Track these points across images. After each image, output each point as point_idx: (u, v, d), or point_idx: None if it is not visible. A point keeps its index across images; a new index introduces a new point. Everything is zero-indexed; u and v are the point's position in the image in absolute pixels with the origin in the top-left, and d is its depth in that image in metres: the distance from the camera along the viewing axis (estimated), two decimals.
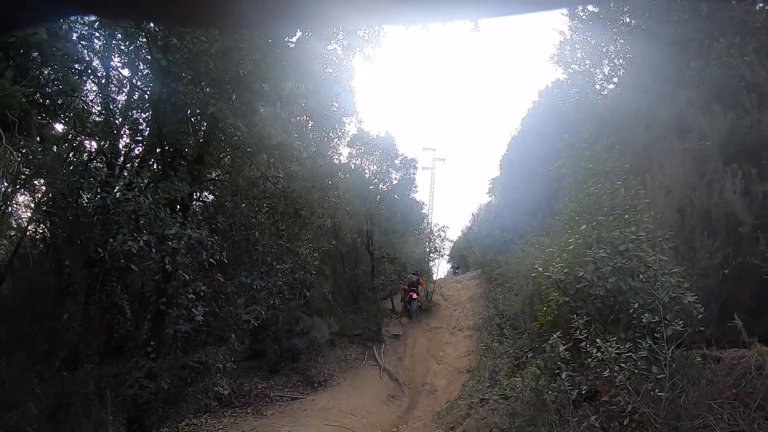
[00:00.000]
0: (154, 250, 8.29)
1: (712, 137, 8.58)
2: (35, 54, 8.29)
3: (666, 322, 5.78)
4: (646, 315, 6.05)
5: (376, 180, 23.39)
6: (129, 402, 9.24)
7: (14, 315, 8.86)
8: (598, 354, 6.10)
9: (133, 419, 9.48)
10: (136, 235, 7.90)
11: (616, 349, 5.99)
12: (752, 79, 8.97)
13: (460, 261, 34.65)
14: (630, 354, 5.83)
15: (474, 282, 26.33)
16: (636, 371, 5.72)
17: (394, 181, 24.24)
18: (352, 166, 22.85)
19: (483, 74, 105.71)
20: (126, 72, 11.08)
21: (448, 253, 31.76)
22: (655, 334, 5.83)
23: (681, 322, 5.84)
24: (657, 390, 5.46)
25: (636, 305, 6.47)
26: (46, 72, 8.94)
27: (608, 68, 17.19)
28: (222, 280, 10.45)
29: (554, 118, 21.19)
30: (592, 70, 17.52)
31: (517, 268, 15.60)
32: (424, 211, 28.06)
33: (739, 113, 8.67)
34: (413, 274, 23.57)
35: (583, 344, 6.57)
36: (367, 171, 23.51)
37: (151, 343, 9.63)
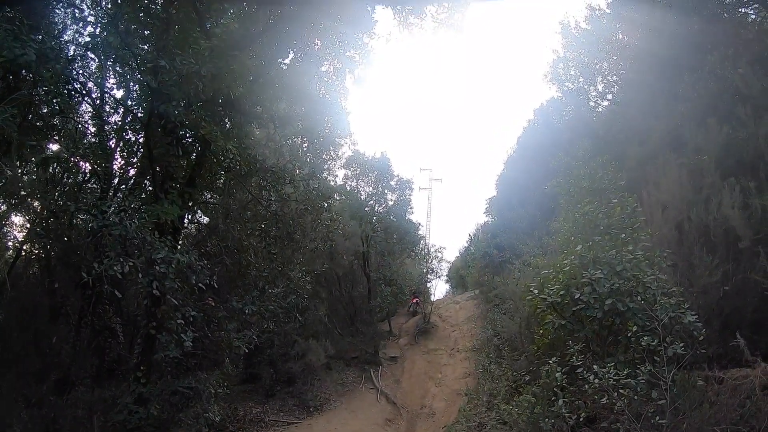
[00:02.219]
0: (141, 275, 8.16)
1: (708, 151, 8.51)
2: (24, 74, 8.25)
3: (666, 344, 5.62)
4: (646, 338, 5.89)
5: (371, 201, 23.41)
6: (118, 428, 9.09)
7: (5, 336, 8.71)
8: (596, 381, 5.92)
9: None
10: (122, 259, 7.75)
11: (614, 375, 5.82)
12: (746, 91, 8.92)
13: (457, 281, 34.36)
14: (629, 380, 5.67)
15: (472, 302, 26.12)
16: (636, 397, 5.55)
17: (390, 202, 24.26)
18: (348, 188, 22.92)
19: (479, 93, 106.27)
20: (120, 93, 11.10)
21: (445, 273, 31.64)
22: (655, 357, 5.67)
23: (681, 344, 5.69)
24: (658, 417, 5.29)
25: (634, 328, 6.32)
26: (41, 92, 8.89)
27: (602, 85, 17.17)
28: (213, 304, 10.32)
29: (549, 136, 21.21)
30: (585, 87, 17.49)
31: (514, 289, 15.47)
32: (420, 232, 28.00)
33: (735, 126, 8.61)
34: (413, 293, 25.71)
35: (580, 370, 6.40)
36: (362, 192, 23.56)
37: (141, 367, 9.46)
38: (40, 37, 7.81)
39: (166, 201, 9.25)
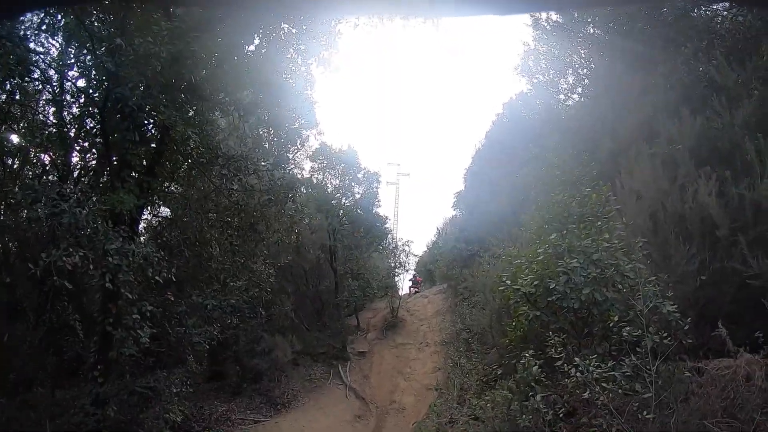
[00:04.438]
0: (93, 266, 7.72)
1: (682, 141, 8.46)
2: None
3: (649, 335, 5.43)
4: (627, 328, 5.70)
5: (338, 194, 23.29)
6: (75, 431, 8.68)
7: None
8: (578, 374, 5.69)
9: None
10: (72, 249, 7.30)
11: (597, 368, 5.60)
12: (721, 81, 8.94)
13: (425, 275, 34.32)
14: (613, 373, 5.46)
15: (440, 296, 26.09)
16: (620, 390, 5.35)
17: (357, 196, 24.09)
18: (315, 180, 22.72)
19: (447, 88, 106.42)
20: (82, 83, 10.52)
21: (413, 267, 31.61)
22: (637, 348, 5.48)
23: (665, 335, 5.51)
24: (645, 412, 5.09)
25: (615, 318, 6.14)
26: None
27: (572, 78, 17.12)
28: (173, 299, 9.96)
29: (518, 130, 21.21)
30: (556, 80, 17.44)
31: (483, 281, 15.37)
32: (388, 225, 27.79)
33: (710, 116, 8.59)
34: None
35: (559, 363, 6.19)
36: (329, 185, 23.41)
37: (99, 366, 9.05)
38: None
39: (122, 190, 8.83)
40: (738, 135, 7.92)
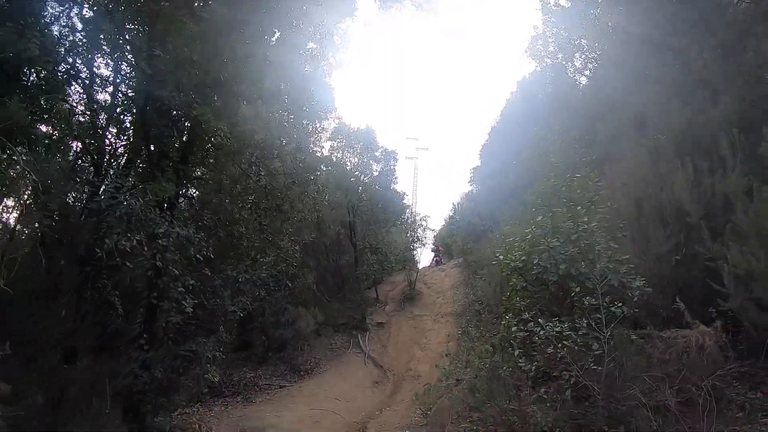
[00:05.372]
0: (146, 248, 8.87)
1: (668, 132, 8.98)
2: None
3: (606, 304, 6.39)
4: (588, 298, 6.66)
5: (357, 172, 23.89)
6: (124, 392, 9.81)
7: (13, 314, 9.24)
8: (542, 332, 6.75)
9: (128, 409, 9.99)
10: (129, 234, 8.46)
11: (558, 329, 6.64)
12: (706, 75, 9.32)
13: (444, 249, 34.63)
14: (570, 333, 6.47)
15: (456, 270, 26.79)
16: (576, 348, 6.33)
17: (375, 173, 24.79)
18: (334, 159, 23.33)
19: (464, 64, 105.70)
20: (109, 72, 11.40)
21: (431, 242, 32.15)
22: (598, 316, 6.43)
23: (621, 305, 6.43)
24: (597, 365, 6.08)
25: (578, 288, 7.10)
26: (32, 78, 9.32)
27: (580, 61, 17.47)
28: (209, 273, 10.97)
29: (530, 109, 21.70)
30: (564, 63, 17.85)
31: (490, 256, 16.14)
32: (406, 201, 28.53)
33: (695, 109, 9.06)
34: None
35: (530, 324, 7.21)
36: (348, 163, 24.05)
37: (144, 335, 10.13)
38: (37, 30, 8.24)
39: (162, 179, 9.87)
40: (716, 129, 8.45)
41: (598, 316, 6.37)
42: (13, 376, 7.00)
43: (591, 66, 17.01)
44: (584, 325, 6.46)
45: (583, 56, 17.28)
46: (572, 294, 7.14)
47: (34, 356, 9.18)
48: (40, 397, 8.34)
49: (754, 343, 6.45)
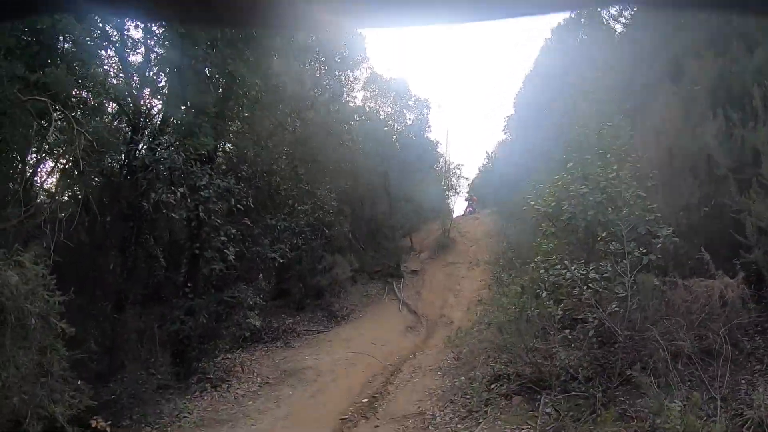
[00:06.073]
0: (188, 200, 9.26)
1: (702, 82, 8.90)
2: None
3: (630, 249, 6.57)
4: (613, 242, 6.85)
5: (390, 121, 24.04)
6: (172, 338, 10.45)
7: (58, 269, 9.66)
8: (568, 274, 6.98)
9: (175, 353, 10.65)
10: (173, 187, 8.85)
11: (583, 271, 6.86)
12: (742, 27, 9.16)
13: (478, 198, 34.30)
14: (596, 276, 6.69)
15: (490, 219, 26.89)
16: (600, 291, 6.56)
17: (409, 122, 24.90)
18: (367, 109, 23.18)
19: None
20: (139, 34, 11.46)
21: (465, 191, 32.01)
22: (624, 261, 6.62)
23: (645, 250, 6.61)
24: (620, 308, 6.32)
25: (604, 233, 7.28)
26: (66, 46, 9.62)
27: (615, 8, 17.00)
28: (249, 223, 11.34)
29: (564, 57, 21.27)
30: (599, 9, 17.50)
31: (523, 203, 16.14)
32: (439, 150, 28.30)
33: (729, 60, 8.94)
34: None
35: (558, 267, 7.44)
36: (381, 113, 24.06)
37: (188, 284, 10.67)
38: None
39: (200, 134, 10.19)
40: (749, 80, 8.30)
41: (624, 261, 6.55)
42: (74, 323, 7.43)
43: (626, 14, 16.64)
44: (609, 269, 6.65)
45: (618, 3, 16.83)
46: (599, 239, 7.30)
47: (87, 307, 9.67)
48: (93, 343, 8.81)
49: None
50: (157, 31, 11.33)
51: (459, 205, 34.07)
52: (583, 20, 18.99)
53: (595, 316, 6.53)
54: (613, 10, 16.87)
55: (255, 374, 11.84)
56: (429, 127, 26.23)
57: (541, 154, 18.95)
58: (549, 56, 24.75)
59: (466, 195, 31.94)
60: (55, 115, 7.49)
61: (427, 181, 26.45)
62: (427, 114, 25.67)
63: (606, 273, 6.69)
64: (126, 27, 11.20)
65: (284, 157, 13.14)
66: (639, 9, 14.96)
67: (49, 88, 7.66)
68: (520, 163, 23.30)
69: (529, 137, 24.11)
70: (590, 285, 6.63)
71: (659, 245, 6.91)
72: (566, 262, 7.29)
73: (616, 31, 17.44)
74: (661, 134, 8.92)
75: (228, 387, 10.81)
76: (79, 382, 7.12)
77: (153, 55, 11.64)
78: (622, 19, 16.82)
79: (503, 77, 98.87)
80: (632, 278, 6.38)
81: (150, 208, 9.01)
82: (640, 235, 7.10)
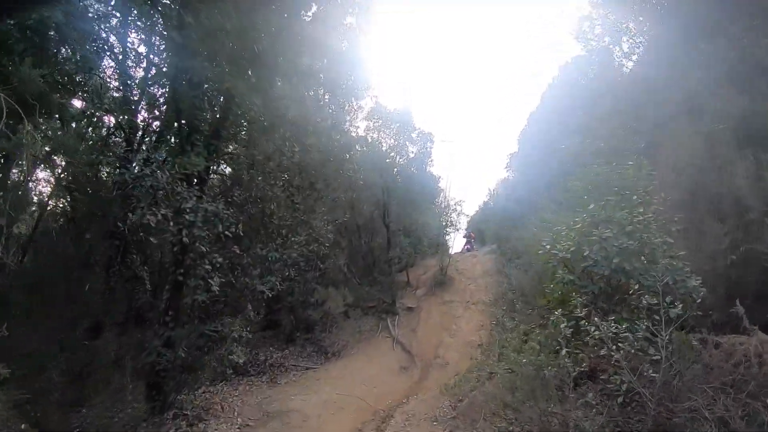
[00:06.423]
0: (171, 223, 8.58)
1: (725, 120, 8.46)
2: (52, 33, 8.46)
3: (666, 304, 5.88)
4: (646, 296, 6.16)
5: (393, 153, 23.45)
6: (147, 369, 9.69)
7: (38, 286, 9.16)
8: (596, 332, 6.24)
9: (151, 386, 9.87)
10: (154, 209, 8.18)
11: (614, 329, 6.13)
12: (766, 62, 8.81)
13: (476, 235, 34.23)
14: (627, 334, 5.97)
15: (490, 257, 26.24)
16: (632, 351, 5.85)
17: (411, 155, 24.33)
18: (369, 140, 22.86)
19: (504, 48, 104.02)
20: (142, 48, 11.24)
21: (465, 227, 31.72)
22: (656, 317, 5.93)
23: (681, 305, 5.94)
24: (652, 371, 5.60)
25: (636, 286, 6.60)
26: (63, 51, 9.13)
27: (627, 45, 17.06)
28: (238, 251, 10.72)
29: (572, 95, 21.08)
30: (611, 47, 17.40)
31: (529, 243, 15.69)
32: (441, 184, 27.94)
33: (755, 97, 8.53)
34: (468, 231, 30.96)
35: (582, 322, 6.71)
36: (384, 144, 23.53)
37: (169, 312, 9.95)
38: None
39: (192, 153, 9.58)
40: None
41: (656, 317, 5.85)
42: (34, 350, 6.81)
43: (638, 51, 16.54)
44: (643, 327, 5.93)
45: (630, 40, 16.82)
46: (630, 291, 6.61)
47: (58, 331, 9.10)
48: (56, 373, 8.20)
49: None
50: (157, 41, 10.99)
51: (458, 242, 33.73)
52: (594, 58, 18.69)
53: (623, 378, 5.80)
54: (625, 47, 16.80)
55: (236, 414, 11.13)
56: (431, 160, 25.86)
57: (547, 192, 18.58)
58: (556, 93, 24.58)
59: (465, 232, 31.56)
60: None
61: (427, 216, 26.31)
62: (430, 148, 25.29)
63: (639, 331, 5.97)
64: (129, 39, 11.11)
65: (280, 183, 12.55)
66: (651, 47, 14.81)
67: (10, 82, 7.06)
68: (523, 200, 23.07)
69: (533, 175, 23.85)
70: (620, 344, 5.91)
71: (698, 300, 6.23)
72: (595, 318, 6.55)
73: (627, 68, 17.29)
74: (682, 175, 8.41)
75: (205, 428, 10.09)
76: (22, 426, 6.42)
77: (154, 70, 11.45)
78: (634, 57, 16.73)
79: (507, 113, 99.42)
80: (667, 337, 5.67)
81: (126, 229, 8.35)
82: (666, 286, 6.41)
